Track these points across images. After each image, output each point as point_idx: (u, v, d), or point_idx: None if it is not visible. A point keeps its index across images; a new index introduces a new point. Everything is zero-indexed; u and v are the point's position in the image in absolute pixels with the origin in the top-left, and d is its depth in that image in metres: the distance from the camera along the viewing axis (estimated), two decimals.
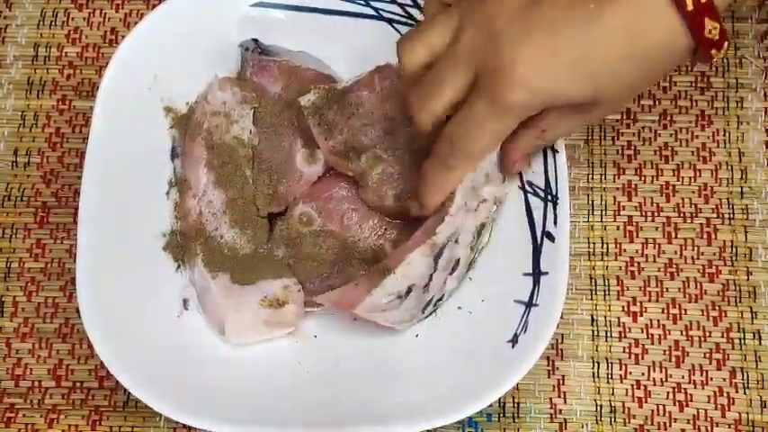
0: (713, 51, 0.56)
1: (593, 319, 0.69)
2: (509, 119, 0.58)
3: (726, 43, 0.56)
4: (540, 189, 0.66)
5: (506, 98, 0.56)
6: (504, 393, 0.60)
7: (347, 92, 0.67)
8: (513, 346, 0.62)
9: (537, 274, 0.64)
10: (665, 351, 0.68)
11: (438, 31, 0.60)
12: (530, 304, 0.63)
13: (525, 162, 0.64)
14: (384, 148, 0.67)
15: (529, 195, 0.66)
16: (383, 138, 0.67)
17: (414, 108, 0.61)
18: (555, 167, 0.65)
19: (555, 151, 0.65)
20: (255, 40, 0.70)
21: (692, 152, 0.72)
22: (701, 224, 0.71)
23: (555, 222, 0.64)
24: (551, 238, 0.64)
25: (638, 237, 0.70)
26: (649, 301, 0.69)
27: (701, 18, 0.54)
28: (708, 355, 0.68)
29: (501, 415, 0.67)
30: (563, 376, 0.67)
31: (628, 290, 0.69)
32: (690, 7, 0.54)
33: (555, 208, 0.65)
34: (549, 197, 0.65)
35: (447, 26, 0.59)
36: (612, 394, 0.67)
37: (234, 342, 0.65)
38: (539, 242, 0.65)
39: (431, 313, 0.65)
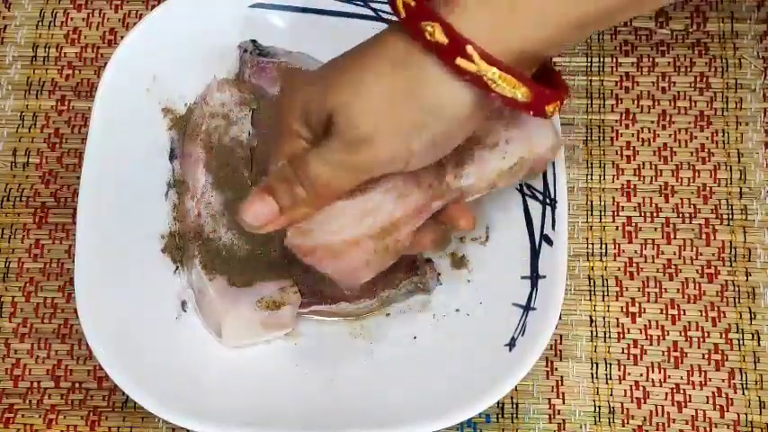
0: (492, 85, 0.52)
1: (591, 320, 0.69)
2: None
3: (509, 77, 0.52)
4: (539, 192, 0.66)
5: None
6: (501, 397, 0.60)
7: None
8: (510, 350, 0.62)
9: (535, 277, 0.64)
10: (663, 352, 0.68)
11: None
12: (527, 308, 0.63)
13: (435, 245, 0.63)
14: None
15: (527, 199, 0.66)
16: None
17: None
18: (554, 171, 0.65)
19: None
20: (254, 42, 0.70)
21: (691, 153, 0.72)
22: (700, 225, 0.71)
23: (553, 226, 0.64)
24: (549, 241, 0.64)
25: (636, 237, 0.70)
26: (648, 301, 0.69)
27: (453, 57, 0.52)
28: (706, 355, 0.68)
29: (499, 415, 0.67)
30: (561, 377, 0.67)
31: (626, 290, 0.69)
32: (439, 40, 0.52)
33: (553, 212, 0.65)
34: (548, 200, 0.65)
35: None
36: (611, 395, 0.67)
37: (231, 344, 0.65)
38: (537, 246, 0.65)
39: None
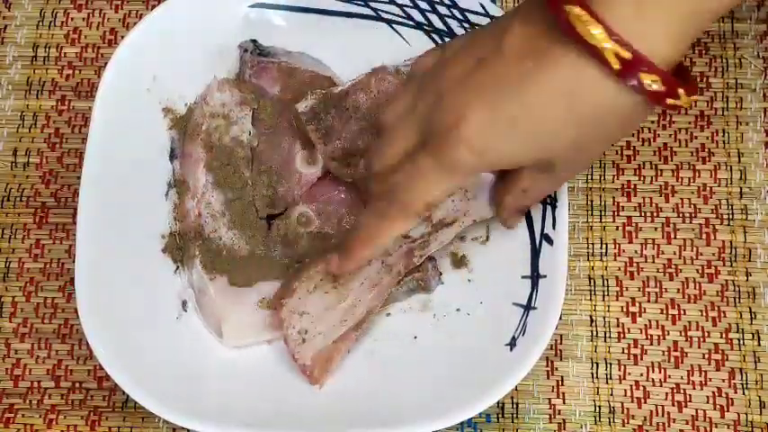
0: (669, 101, 0.53)
1: (591, 320, 0.69)
2: (453, 176, 0.58)
3: (679, 90, 0.53)
4: None
5: (450, 156, 0.56)
6: (501, 397, 0.60)
7: (343, 96, 0.67)
8: (511, 349, 0.62)
9: (535, 277, 0.64)
10: (663, 351, 0.68)
11: (402, 99, 0.61)
12: (528, 307, 0.63)
13: (517, 219, 0.65)
14: None
15: None
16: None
17: (369, 156, 0.62)
18: None
19: None
20: (254, 41, 0.70)
21: (692, 152, 0.72)
22: (700, 224, 0.71)
23: (554, 226, 0.64)
24: (550, 241, 0.64)
25: (637, 237, 0.70)
26: (648, 301, 0.69)
27: (634, 73, 0.52)
28: (707, 355, 0.68)
29: (500, 415, 0.67)
30: (562, 377, 0.67)
31: (627, 290, 0.69)
32: (616, 66, 0.51)
33: (554, 211, 0.65)
34: (548, 200, 0.65)
35: (408, 95, 0.61)
36: (611, 395, 0.67)
37: (232, 344, 0.65)
38: (537, 245, 0.65)
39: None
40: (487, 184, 0.64)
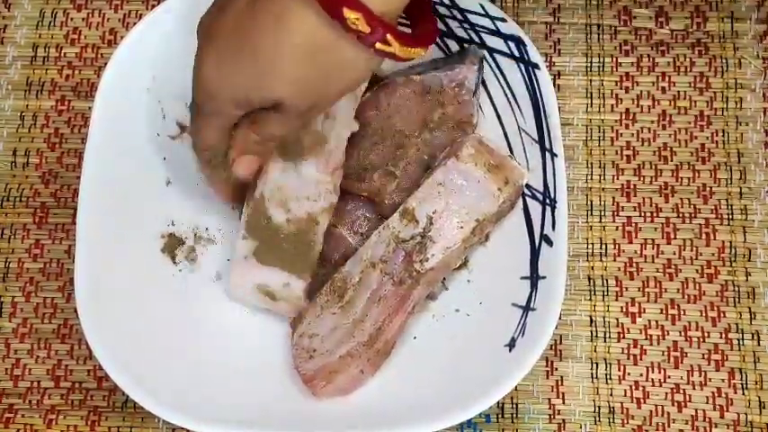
0: (379, 46, 0.53)
1: (591, 320, 0.69)
2: (207, 117, 0.59)
3: (389, 36, 0.53)
4: (539, 193, 0.66)
5: (195, 97, 0.58)
6: (500, 397, 0.60)
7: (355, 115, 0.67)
8: (510, 350, 0.62)
9: (535, 278, 0.64)
10: (663, 352, 0.68)
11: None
12: (527, 308, 0.63)
13: (246, 163, 0.63)
14: (395, 163, 0.67)
15: (527, 199, 0.66)
16: (393, 152, 0.67)
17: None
18: (554, 171, 0.65)
19: (554, 155, 0.66)
20: None
21: (691, 153, 0.72)
22: (700, 225, 0.71)
23: (553, 227, 0.64)
24: (549, 242, 0.64)
25: (636, 237, 0.70)
26: (648, 301, 0.69)
27: (336, 7, 0.51)
28: (706, 355, 0.68)
29: (499, 416, 0.67)
30: (561, 377, 0.67)
31: (626, 290, 0.69)
32: None
33: (553, 212, 0.65)
34: (548, 201, 0.65)
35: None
36: (611, 395, 0.67)
37: (234, 295, 0.66)
38: (537, 246, 0.65)
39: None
40: (469, 187, 0.65)
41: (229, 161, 0.62)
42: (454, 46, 0.70)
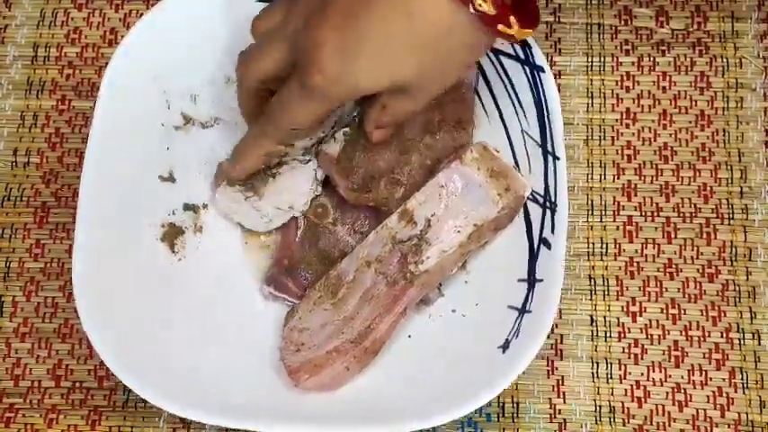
0: (501, 27, 0.55)
1: (592, 320, 0.69)
2: (312, 102, 0.59)
3: (511, 17, 0.55)
4: (540, 195, 0.66)
5: (309, 83, 0.57)
6: (491, 398, 0.60)
7: (360, 127, 0.67)
8: (504, 352, 0.62)
9: (532, 280, 0.64)
10: (664, 351, 0.68)
11: (275, 13, 0.62)
12: (523, 310, 0.63)
13: (382, 134, 0.65)
14: (400, 170, 0.67)
15: (527, 201, 0.66)
16: (398, 159, 0.67)
17: (238, 70, 0.63)
18: (555, 174, 0.65)
19: (555, 158, 0.65)
20: None
21: (692, 152, 0.72)
22: (701, 224, 0.71)
23: (552, 230, 0.64)
24: (548, 245, 0.64)
25: (637, 237, 0.70)
26: (649, 301, 0.69)
27: None
28: (707, 355, 0.68)
29: (500, 415, 0.67)
30: (562, 376, 0.67)
31: (627, 290, 0.69)
32: None
33: (553, 215, 0.65)
34: (548, 204, 0.65)
35: (280, 11, 0.62)
36: (612, 394, 0.67)
37: (219, 208, 0.68)
38: (535, 249, 0.65)
39: None
40: (469, 192, 0.65)
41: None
42: None
